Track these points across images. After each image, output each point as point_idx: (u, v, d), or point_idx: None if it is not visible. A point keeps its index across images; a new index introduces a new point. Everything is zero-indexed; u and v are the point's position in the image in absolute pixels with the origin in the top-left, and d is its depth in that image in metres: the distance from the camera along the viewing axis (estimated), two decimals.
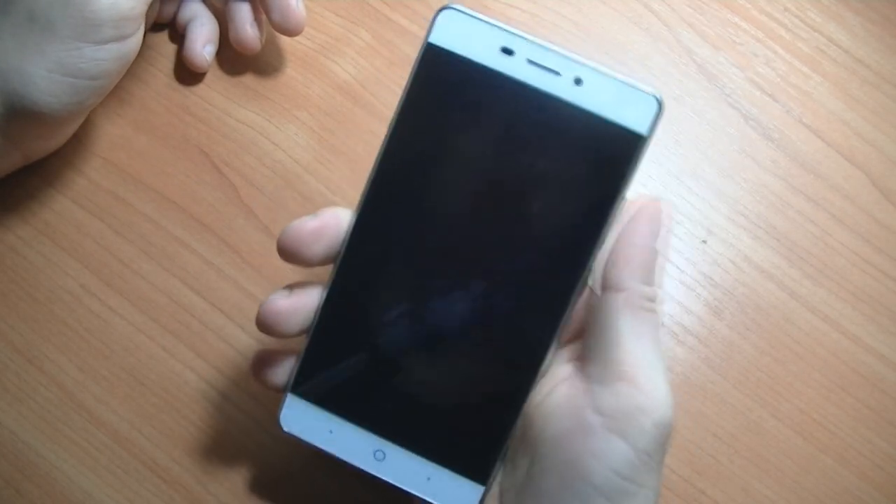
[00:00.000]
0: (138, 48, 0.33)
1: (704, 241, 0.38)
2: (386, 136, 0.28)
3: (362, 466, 0.29)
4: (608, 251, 0.27)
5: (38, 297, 0.36)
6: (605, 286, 0.27)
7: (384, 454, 0.28)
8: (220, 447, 0.35)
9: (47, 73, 0.31)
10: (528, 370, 0.28)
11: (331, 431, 0.29)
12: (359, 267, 0.28)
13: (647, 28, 0.41)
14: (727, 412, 0.36)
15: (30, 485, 0.34)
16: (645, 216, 0.27)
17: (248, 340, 0.36)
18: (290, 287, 0.29)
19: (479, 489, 0.28)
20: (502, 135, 0.27)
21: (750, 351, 0.37)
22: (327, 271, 0.29)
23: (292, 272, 0.36)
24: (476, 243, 0.27)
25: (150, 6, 0.34)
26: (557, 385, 0.28)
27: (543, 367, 0.28)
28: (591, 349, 0.27)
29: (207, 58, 0.38)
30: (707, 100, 0.40)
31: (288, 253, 0.28)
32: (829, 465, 0.36)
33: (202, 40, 0.38)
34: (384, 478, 0.28)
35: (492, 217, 0.27)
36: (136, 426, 0.35)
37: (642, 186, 0.39)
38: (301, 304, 0.28)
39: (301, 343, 0.29)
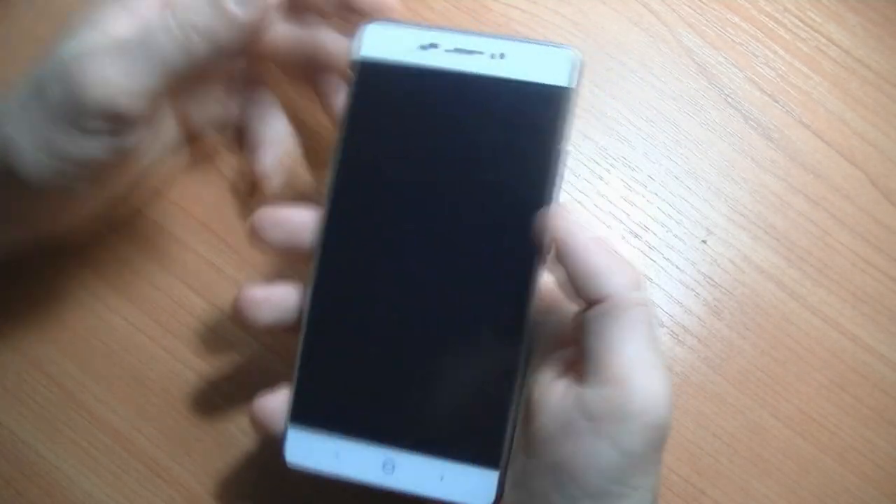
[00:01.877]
0: (149, 146, 0.31)
1: (704, 241, 0.38)
2: (335, 148, 0.29)
3: (375, 482, 0.28)
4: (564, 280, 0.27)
5: (37, 297, 0.36)
6: (585, 303, 0.27)
7: (394, 464, 0.28)
8: (220, 447, 0.35)
9: (35, 149, 0.28)
10: (512, 344, 0.28)
11: (337, 454, 0.28)
12: (332, 286, 0.29)
13: (647, 28, 0.41)
14: (727, 412, 0.36)
15: (30, 485, 0.34)
16: (563, 227, 0.27)
17: (249, 340, 0.36)
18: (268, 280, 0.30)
19: (494, 474, 0.27)
20: (444, 121, 0.28)
21: (750, 351, 0.37)
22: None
23: (291, 273, 0.36)
24: (439, 231, 0.28)
25: (199, 105, 0.33)
26: (552, 382, 0.28)
27: (526, 339, 0.28)
28: (582, 352, 0.27)
29: (279, 170, 0.35)
30: (707, 100, 0.40)
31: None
32: (829, 465, 0.36)
33: (273, 151, 0.34)
34: (399, 488, 0.28)
35: (449, 200, 0.28)
36: (136, 426, 0.35)
37: (643, 187, 0.39)
38: (275, 295, 0.29)
39: (292, 374, 0.29)
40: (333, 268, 0.29)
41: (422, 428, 0.28)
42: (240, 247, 0.37)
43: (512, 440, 0.28)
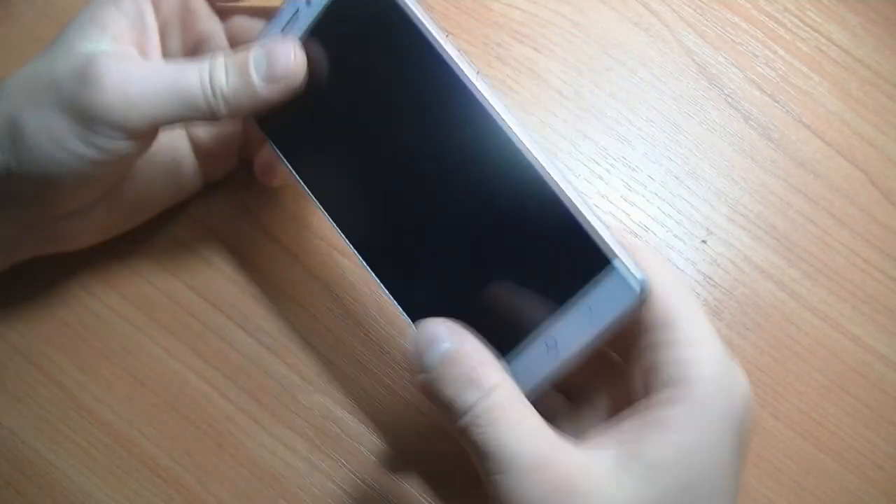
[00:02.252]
0: (152, 166, 0.33)
1: (704, 241, 0.38)
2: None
3: (560, 370, 0.26)
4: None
5: (37, 297, 0.36)
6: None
7: (552, 340, 0.26)
8: (220, 447, 0.35)
9: (36, 132, 0.28)
10: (535, 174, 0.26)
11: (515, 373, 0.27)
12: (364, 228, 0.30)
13: (647, 28, 0.41)
14: None
15: (30, 485, 0.34)
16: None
17: (249, 340, 0.36)
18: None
19: (620, 267, 0.25)
20: (351, 69, 0.29)
21: (750, 351, 0.37)
22: None
23: (289, 274, 0.36)
24: (411, 135, 0.28)
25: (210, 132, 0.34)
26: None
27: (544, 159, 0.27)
28: None
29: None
30: (707, 100, 0.40)
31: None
32: (829, 465, 0.36)
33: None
34: (572, 355, 0.26)
35: (401, 115, 0.28)
36: (136, 426, 0.35)
37: (643, 187, 0.39)
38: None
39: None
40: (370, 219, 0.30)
41: (542, 294, 0.27)
42: (240, 247, 0.37)
43: (607, 228, 0.26)
